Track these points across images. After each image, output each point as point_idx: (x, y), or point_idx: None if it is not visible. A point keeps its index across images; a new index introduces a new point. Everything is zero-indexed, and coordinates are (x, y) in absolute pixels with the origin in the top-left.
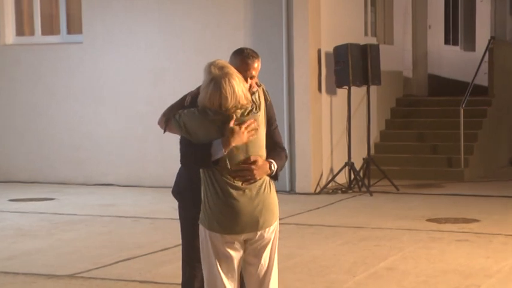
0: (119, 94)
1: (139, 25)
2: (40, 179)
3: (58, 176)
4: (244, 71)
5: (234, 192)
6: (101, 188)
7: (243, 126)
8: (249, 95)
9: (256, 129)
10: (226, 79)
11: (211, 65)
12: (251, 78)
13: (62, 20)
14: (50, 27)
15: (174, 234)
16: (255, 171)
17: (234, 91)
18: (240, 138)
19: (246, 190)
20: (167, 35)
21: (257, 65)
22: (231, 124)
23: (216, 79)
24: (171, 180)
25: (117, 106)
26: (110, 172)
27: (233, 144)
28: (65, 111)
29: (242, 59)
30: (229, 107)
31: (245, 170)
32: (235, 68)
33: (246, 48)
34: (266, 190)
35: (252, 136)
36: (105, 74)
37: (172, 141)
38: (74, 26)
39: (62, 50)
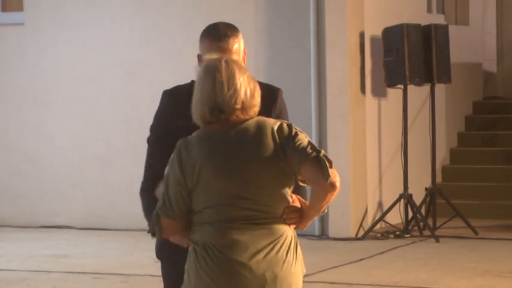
0: (73, 96)
1: None
2: None
3: None
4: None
5: (231, 257)
6: (50, 232)
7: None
8: (258, 96)
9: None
10: (223, 61)
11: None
12: None
13: None
14: None
15: None
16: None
17: (233, 77)
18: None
19: (250, 251)
20: (144, 11)
21: (237, 46)
22: None
23: (209, 65)
24: None
25: (71, 114)
26: (62, 209)
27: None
28: None
29: (211, 43)
30: (225, 100)
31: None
32: (205, 54)
33: (219, 24)
34: (285, 253)
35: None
36: (55, 68)
37: None
38: (12, 1)
39: None
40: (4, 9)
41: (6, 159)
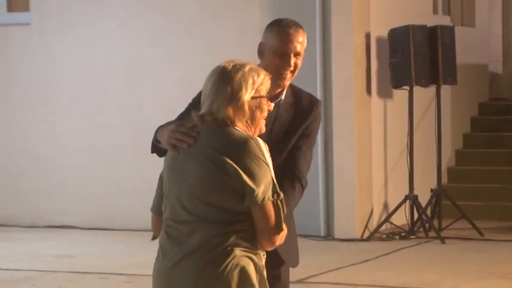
0: (80, 97)
1: None
2: None
3: None
4: (285, 44)
5: (160, 261)
6: (55, 232)
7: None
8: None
9: (187, 141)
10: (248, 66)
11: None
12: (295, 56)
13: None
14: None
15: None
16: None
17: (254, 81)
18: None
19: (179, 255)
20: (150, 12)
21: (302, 39)
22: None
23: (227, 67)
24: None
25: (78, 114)
26: (68, 209)
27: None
28: (1, 121)
29: (280, 29)
30: (216, 110)
31: None
32: (271, 45)
33: (289, 19)
34: (216, 260)
35: (175, 141)
36: (61, 68)
37: (156, 166)
38: (18, 1)
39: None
40: (10, 10)
41: (12, 159)
